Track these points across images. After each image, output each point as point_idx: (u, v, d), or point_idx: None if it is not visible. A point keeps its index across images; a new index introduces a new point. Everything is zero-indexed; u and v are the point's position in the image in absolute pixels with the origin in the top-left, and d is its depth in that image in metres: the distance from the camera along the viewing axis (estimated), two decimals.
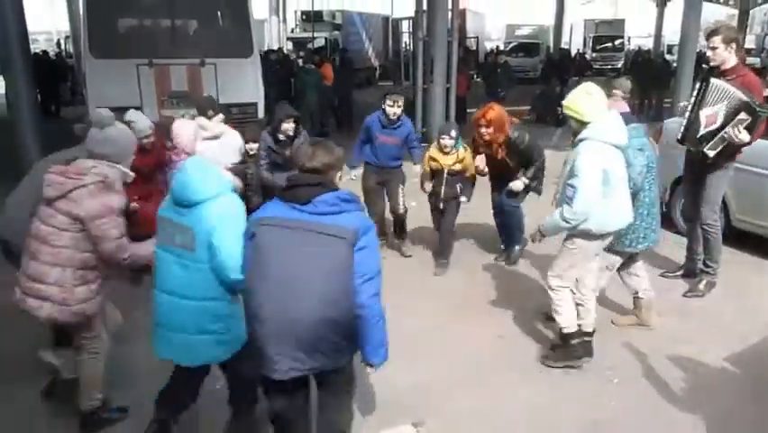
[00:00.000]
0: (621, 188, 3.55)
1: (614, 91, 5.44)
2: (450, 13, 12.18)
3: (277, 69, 13.46)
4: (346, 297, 2.34)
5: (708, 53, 4.52)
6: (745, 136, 4.24)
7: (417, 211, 6.31)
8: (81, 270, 2.91)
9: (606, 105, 3.56)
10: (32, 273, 2.88)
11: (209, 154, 3.13)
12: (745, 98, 4.20)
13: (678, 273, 5.32)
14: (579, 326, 3.81)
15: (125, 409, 3.33)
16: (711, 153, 4.42)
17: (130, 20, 10.40)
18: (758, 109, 4.18)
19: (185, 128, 4.29)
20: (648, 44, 38.07)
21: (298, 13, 26.77)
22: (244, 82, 9.37)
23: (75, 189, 2.84)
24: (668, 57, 23.22)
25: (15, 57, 9.47)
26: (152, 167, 4.99)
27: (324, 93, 11.96)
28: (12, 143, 9.59)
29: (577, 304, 3.80)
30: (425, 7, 12.23)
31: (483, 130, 5.01)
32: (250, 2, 9.76)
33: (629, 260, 4.26)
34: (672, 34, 35.24)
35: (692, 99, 4.53)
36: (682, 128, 4.64)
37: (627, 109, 4.23)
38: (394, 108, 5.52)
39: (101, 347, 3.16)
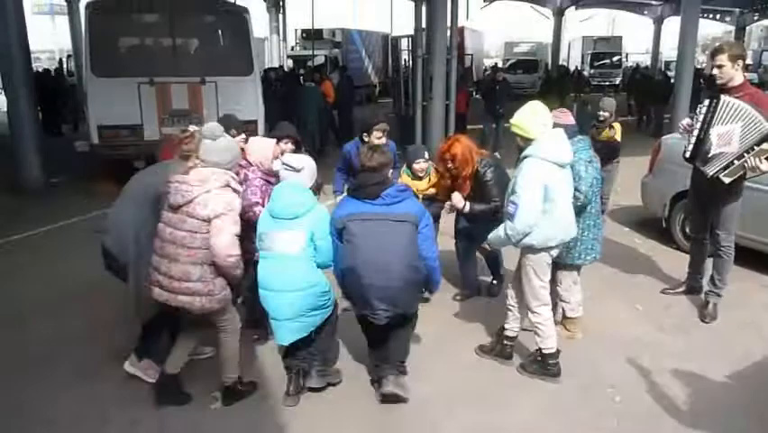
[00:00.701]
0: (563, 204, 3.63)
1: (600, 113, 5.48)
2: (448, 31, 12.29)
3: (277, 86, 13.52)
4: (417, 261, 3.34)
5: (715, 71, 4.40)
6: (765, 166, 4.15)
7: None
8: (215, 265, 3.27)
9: (550, 124, 3.65)
10: (176, 274, 3.23)
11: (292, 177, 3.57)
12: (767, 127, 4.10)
13: (679, 290, 5.27)
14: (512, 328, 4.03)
15: (254, 382, 3.79)
16: (727, 180, 4.30)
17: (131, 39, 10.49)
18: None
19: (261, 146, 4.21)
20: (646, 61, 38.39)
21: (298, 32, 26.98)
22: (244, 100, 9.43)
23: (201, 195, 3.20)
24: (668, 73, 23.35)
25: (18, 75, 9.56)
26: None
27: (324, 110, 12.02)
28: (13, 160, 9.64)
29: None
30: (423, 25, 12.32)
31: (449, 165, 4.64)
32: (250, 21, 9.86)
33: (562, 269, 4.27)
34: (669, 51, 35.58)
35: (701, 117, 4.37)
36: (690, 146, 4.48)
37: (572, 122, 4.16)
38: (383, 139, 5.03)
39: (237, 324, 3.57)
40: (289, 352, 3.64)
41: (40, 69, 19.21)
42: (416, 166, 5.12)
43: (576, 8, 32.53)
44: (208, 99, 9.27)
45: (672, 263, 5.91)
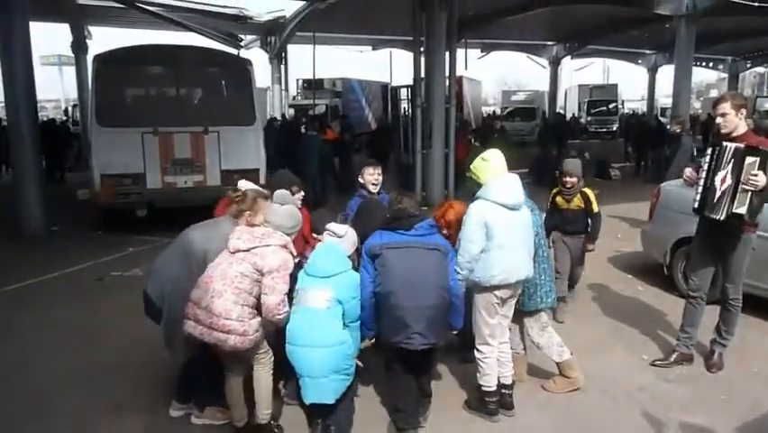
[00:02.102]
0: (510, 245, 3.78)
1: (565, 179, 5.42)
2: (447, 81, 12.55)
3: (280, 135, 13.73)
4: (447, 284, 3.60)
5: (719, 120, 4.39)
6: (762, 177, 4.05)
7: None
8: (253, 308, 3.45)
9: (501, 170, 3.90)
10: (217, 309, 3.34)
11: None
12: (742, 144, 4.11)
13: (670, 361, 4.82)
14: (497, 378, 3.95)
15: (281, 427, 3.84)
16: (743, 210, 4.16)
17: (137, 90, 10.70)
18: (761, 148, 4.08)
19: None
20: (641, 107, 39.07)
21: (300, 81, 27.52)
22: (247, 149, 9.56)
23: (261, 247, 3.44)
24: (662, 119, 23.71)
25: (23, 125, 9.71)
26: None
27: (324, 158, 12.16)
28: (15, 208, 9.69)
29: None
30: (422, 75, 12.59)
31: (444, 231, 4.43)
32: (253, 72, 10.08)
33: (528, 316, 4.25)
34: (664, 98, 36.26)
35: (705, 167, 4.34)
36: (698, 197, 4.39)
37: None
38: (375, 175, 4.99)
39: (270, 359, 3.66)
40: (310, 413, 3.74)
41: (45, 119, 19.58)
42: None
43: (571, 58, 33.32)
44: (210, 148, 9.39)
45: (676, 311, 5.81)
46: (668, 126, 16.04)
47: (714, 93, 55.25)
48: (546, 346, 4.28)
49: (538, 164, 14.73)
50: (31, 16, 9.96)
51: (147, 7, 17.67)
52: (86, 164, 10.24)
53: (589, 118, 33.35)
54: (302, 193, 4.54)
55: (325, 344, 3.42)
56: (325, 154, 12.27)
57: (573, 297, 6.05)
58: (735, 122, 4.32)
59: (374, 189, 4.97)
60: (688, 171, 4.63)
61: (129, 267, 7.59)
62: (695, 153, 9.47)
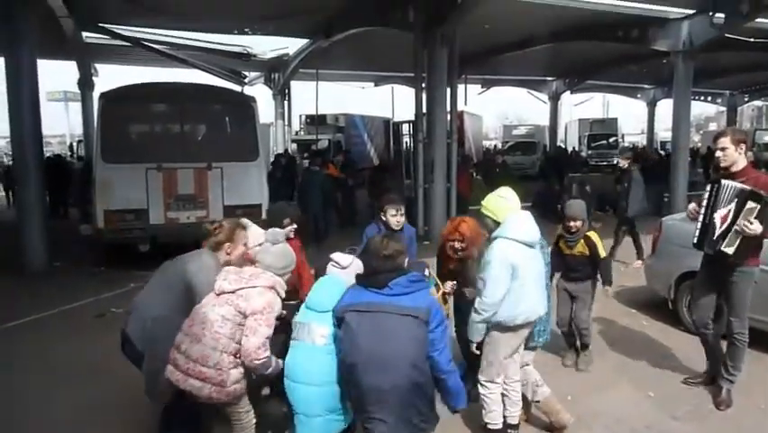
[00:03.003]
0: (530, 283, 3.74)
1: (569, 223, 5.21)
2: (448, 116, 12.68)
3: (284, 171, 13.84)
4: (425, 363, 2.96)
5: (718, 154, 4.44)
6: (756, 227, 4.11)
7: None
8: (234, 355, 3.23)
9: (517, 207, 3.87)
10: (194, 355, 3.18)
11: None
12: (748, 187, 4.15)
13: (699, 381, 5.01)
14: (504, 417, 3.89)
15: None
16: (730, 251, 4.26)
17: (142, 126, 10.83)
18: (765, 195, 4.10)
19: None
20: (641, 140, 39.34)
21: (303, 117, 27.83)
22: (249, 184, 9.62)
23: (247, 289, 3.27)
24: (662, 153, 23.87)
25: (29, 162, 9.81)
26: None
27: (327, 193, 12.21)
28: (19, 244, 9.70)
29: (502, 395, 3.90)
30: (424, 110, 12.73)
31: (457, 245, 4.47)
32: (257, 109, 10.21)
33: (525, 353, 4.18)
34: (664, 131, 36.55)
35: (704, 202, 4.42)
36: (697, 232, 4.47)
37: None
38: (397, 217, 4.88)
39: (250, 420, 3.48)
40: None
41: (51, 155, 19.76)
42: None
43: (571, 93, 33.68)
44: (214, 184, 9.45)
45: (682, 346, 5.79)
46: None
47: (713, 126, 55.72)
48: (522, 383, 4.11)
49: (541, 198, 14.76)
50: (39, 54, 10.17)
51: (153, 45, 18.01)
52: (89, 200, 10.30)
53: (589, 152, 33.57)
54: (294, 225, 4.54)
55: (321, 382, 3.22)
56: (328, 190, 12.33)
57: (589, 357, 5.46)
58: (734, 156, 4.38)
59: (396, 228, 4.85)
60: (691, 206, 4.69)
61: (130, 303, 7.54)
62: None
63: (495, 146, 35.34)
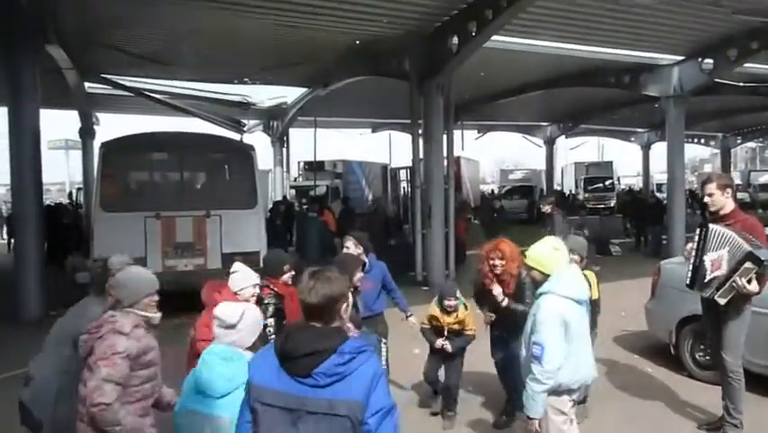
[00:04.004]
0: (583, 342, 3.50)
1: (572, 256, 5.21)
2: (445, 162, 12.81)
3: (282, 217, 13.86)
4: None
5: (706, 200, 4.68)
6: (753, 287, 4.28)
7: (421, 355, 6.11)
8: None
9: (567, 260, 3.64)
10: (81, 399, 2.92)
11: None
12: (748, 248, 4.28)
13: (713, 427, 4.92)
14: None
15: None
16: (722, 301, 4.42)
17: (141, 175, 10.91)
18: (763, 259, 4.23)
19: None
20: (637, 183, 39.65)
21: (301, 164, 28.08)
22: (248, 232, 9.63)
23: (95, 343, 2.96)
24: (658, 195, 24.03)
25: (28, 211, 9.85)
26: None
27: (325, 239, 12.21)
28: (15, 292, 9.63)
29: None
30: (421, 156, 12.86)
31: (497, 262, 4.72)
32: (255, 157, 10.31)
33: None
34: (659, 174, 36.88)
35: (694, 245, 4.63)
36: (689, 273, 4.66)
37: None
38: (351, 249, 5.12)
39: None
40: None
41: (50, 203, 19.82)
42: (446, 302, 5.23)
43: (566, 137, 34.15)
44: (212, 232, 9.46)
45: (689, 393, 5.70)
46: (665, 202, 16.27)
47: (708, 167, 56.27)
48: None
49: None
50: (41, 104, 10.33)
51: (154, 95, 18.32)
52: (87, 248, 10.29)
53: (586, 195, 33.80)
54: (293, 272, 4.49)
55: None
56: (325, 236, 12.34)
57: (585, 411, 5.19)
58: (721, 201, 4.60)
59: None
60: (688, 246, 4.87)
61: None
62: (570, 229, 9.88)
63: (492, 191, 35.55)
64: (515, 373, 4.91)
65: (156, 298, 3.21)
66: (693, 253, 4.61)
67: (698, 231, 4.63)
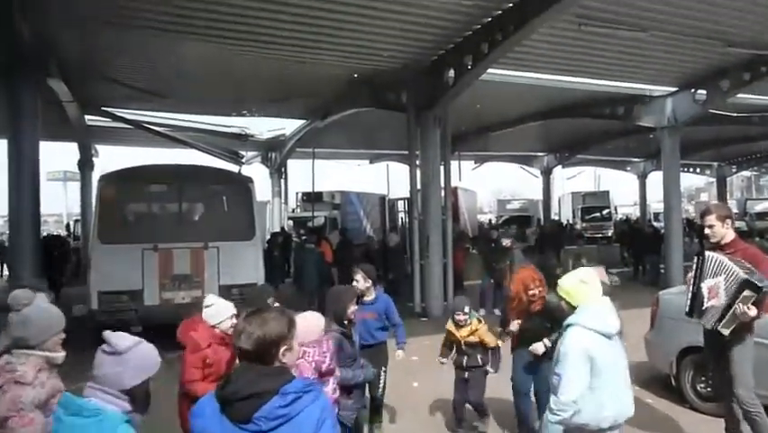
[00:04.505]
0: (614, 378, 3.35)
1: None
2: (442, 192, 12.86)
3: (280, 249, 13.84)
4: None
5: (707, 231, 4.71)
6: (753, 312, 4.26)
7: (420, 389, 6.06)
8: None
9: (598, 292, 3.53)
10: None
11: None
12: (743, 276, 4.28)
13: None
14: None
15: None
16: (726, 332, 4.38)
17: (140, 207, 10.93)
18: (761, 285, 4.24)
19: (312, 324, 3.75)
20: (634, 212, 39.77)
21: (299, 195, 28.16)
22: (245, 264, 9.60)
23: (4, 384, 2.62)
24: (656, 224, 24.09)
25: (24, 244, 9.82)
26: (231, 362, 4.17)
27: (322, 271, 12.19)
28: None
29: None
30: (419, 187, 12.92)
31: (537, 291, 4.99)
32: (253, 189, 10.36)
33: None
34: (656, 203, 37.02)
35: (692, 273, 4.65)
36: (688, 301, 4.67)
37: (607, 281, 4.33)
38: (361, 283, 5.37)
39: None
40: None
41: (47, 234, 19.75)
42: (456, 317, 5.54)
43: (562, 167, 34.35)
44: (210, 264, 9.44)
45: (690, 425, 5.64)
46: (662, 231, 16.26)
47: (704, 196, 56.56)
48: None
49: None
50: (41, 136, 10.40)
51: (153, 127, 18.47)
52: (84, 279, 10.24)
53: (583, 224, 33.86)
54: (277, 304, 4.51)
55: None
56: (323, 267, 12.32)
57: None
58: (722, 232, 4.63)
59: (363, 289, 5.34)
60: (688, 276, 4.82)
61: None
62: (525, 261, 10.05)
63: (490, 221, 35.61)
64: (528, 397, 5.20)
65: (63, 336, 2.90)
66: (691, 281, 4.63)
67: (695, 259, 4.66)
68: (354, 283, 5.35)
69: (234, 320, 4.14)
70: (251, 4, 9.31)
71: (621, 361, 3.46)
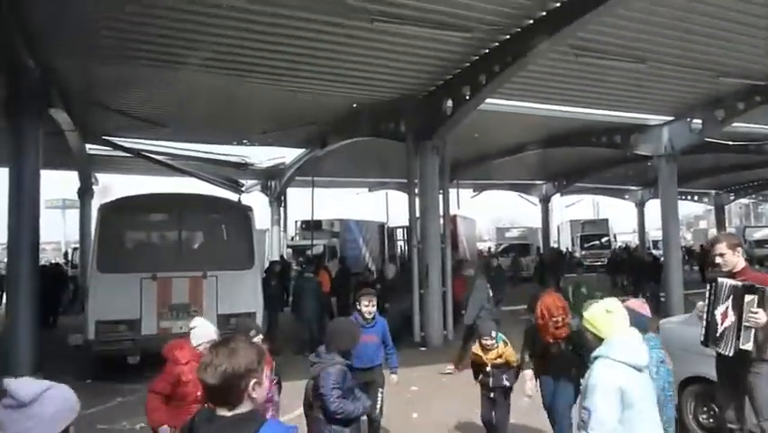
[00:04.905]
0: (647, 412, 3.21)
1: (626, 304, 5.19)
2: (441, 220, 12.87)
3: (278, 277, 13.77)
4: None
5: (718, 260, 4.69)
6: (762, 315, 4.19)
7: (420, 420, 5.99)
8: None
9: (626, 323, 3.41)
10: None
11: None
12: (740, 284, 4.28)
13: None
14: None
15: None
16: (749, 347, 4.28)
17: (139, 236, 10.93)
18: (757, 286, 4.23)
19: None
20: (633, 240, 39.75)
21: (299, 223, 28.18)
22: (244, 293, 9.56)
23: None
24: (654, 252, 24.09)
25: (23, 273, 9.77)
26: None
27: (321, 300, 12.12)
28: (6, 352, 9.43)
29: None
30: (418, 215, 12.93)
31: (560, 318, 5.13)
32: (253, 218, 10.37)
33: None
34: (654, 230, 37.05)
35: (706, 301, 4.59)
36: (702, 330, 4.59)
37: (646, 314, 4.25)
38: (369, 307, 5.72)
39: None
40: None
41: (46, 263, 19.71)
42: (484, 341, 5.75)
43: (561, 195, 34.46)
44: (208, 293, 9.39)
45: None
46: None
47: (703, 224, 56.64)
48: None
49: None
50: (42, 165, 10.42)
51: (153, 156, 18.58)
52: (81, 308, 10.19)
53: (583, 252, 33.81)
54: (260, 336, 4.68)
55: None
56: (322, 296, 12.27)
57: None
58: (733, 261, 4.60)
59: (368, 316, 5.67)
60: (699, 304, 4.81)
61: (116, 419, 7.26)
62: (491, 294, 10.13)
63: (489, 249, 35.56)
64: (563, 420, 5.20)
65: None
66: (705, 309, 4.57)
67: (708, 286, 4.61)
68: (363, 308, 5.69)
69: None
70: (252, 36, 9.47)
71: (652, 394, 3.35)
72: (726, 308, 4.38)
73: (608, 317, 3.36)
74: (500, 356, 5.72)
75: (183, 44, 9.63)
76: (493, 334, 5.77)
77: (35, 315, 10.29)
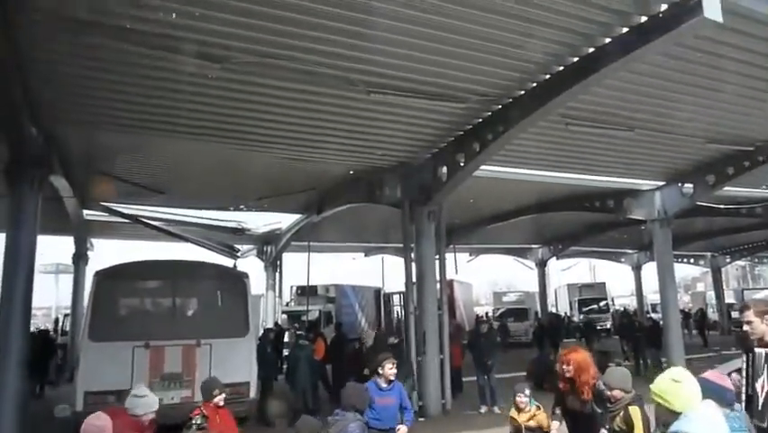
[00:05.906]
0: None
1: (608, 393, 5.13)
2: (438, 285, 12.79)
3: (272, 344, 13.55)
4: None
5: (746, 327, 4.57)
6: None
7: None
8: None
9: (698, 393, 3.25)
10: None
11: None
12: None
13: None
14: None
15: None
16: None
17: (134, 303, 10.83)
18: None
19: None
20: (631, 303, 39.43)
21: (294, 288, 27.98)
22: (238, 361, 9.42)
23: None
24: (653, 316, 23.89)
25: (12, 340, 9.54)
26: None
27: (316, 368, 11.89)
28: None
29: None
30: (414, 280, 12.87)
31: (564, 367, 5.46)
32: (248, 285, 10.33)
33: None
34: (652, 293, 36.85)
35: (744, 374, 4.51)
36: (743, 404, 4.44)
37: (730, 387, 3.97)
38: (394, 369, 6.07)
39: None
40: None
41: (35, 330, 19.32)
42: (517, 399, 6.12)
43: (557, 259, 34.46)
44: (202, 361, 9.23)
45: None
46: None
47: (700, 286, 56.31)
48: None
49: (536, 367, 14.37)
50: (39, 231, 10.41)
51: (150, 222, 18.63)
52: (70, 377, 9.93)
53: (581, 316, 33.47)
54: (223, 394, 5.26)
55: None
56: (316, 364, 12.05)
57: None
58: (761, 328, 4.48)
59: (392, 378, 6.05)
60: (734, 376, 4.70)
61: None
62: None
63: (486, 313, 35.21)
64: None
65: None
66: (744, 382, 4.46)
67: (744, 357, 4.52)
68: (387, 371, 6.02)
69: (153, 416, 4.65)
70: (250, 107, 9.70)
71: None
72: (764, 379, 4.31)
73: (676, 387, 3.25)
74: (532, 418, 5.98)
75: (184, 114, 9.85)
76: (527, 392, 6.12)
77: (23, 387, 10.02)
